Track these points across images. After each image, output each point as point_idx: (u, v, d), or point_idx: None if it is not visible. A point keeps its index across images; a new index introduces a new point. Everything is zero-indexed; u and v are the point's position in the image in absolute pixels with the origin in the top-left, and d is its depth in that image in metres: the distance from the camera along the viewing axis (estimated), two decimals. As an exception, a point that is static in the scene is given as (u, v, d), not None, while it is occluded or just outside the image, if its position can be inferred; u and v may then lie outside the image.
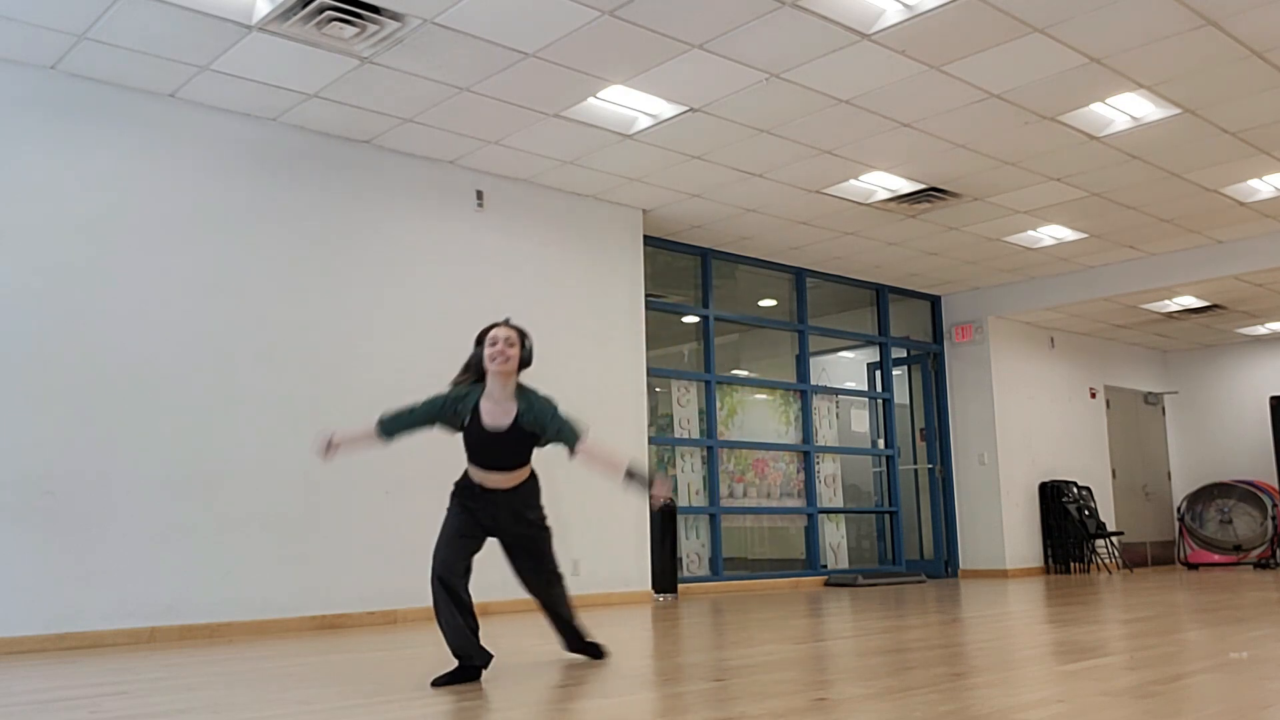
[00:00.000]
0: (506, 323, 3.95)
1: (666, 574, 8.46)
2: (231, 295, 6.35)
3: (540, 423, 3.85)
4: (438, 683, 3.72)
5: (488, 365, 3.84)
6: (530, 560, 4.11)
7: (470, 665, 3.80)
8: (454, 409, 3.88)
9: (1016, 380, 11.82)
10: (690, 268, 9.65)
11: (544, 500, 4.10)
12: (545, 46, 5.70)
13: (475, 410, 3.86)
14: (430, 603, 3.90)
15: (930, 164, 7.61)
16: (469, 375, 3.94)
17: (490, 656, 3.87)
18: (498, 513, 3.96)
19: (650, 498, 3.81)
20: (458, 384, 3.96)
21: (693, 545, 9.28)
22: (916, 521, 11.77)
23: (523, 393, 3.92)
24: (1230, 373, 13.97)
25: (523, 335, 3.93)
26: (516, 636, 5.46)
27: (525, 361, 3.91)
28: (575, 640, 4.31)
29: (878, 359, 11.51)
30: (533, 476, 4.03)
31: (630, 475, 3.77)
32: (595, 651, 4.34)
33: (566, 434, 3.86)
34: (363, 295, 6.92)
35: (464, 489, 3.98)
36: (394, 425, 3.94)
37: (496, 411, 3.85)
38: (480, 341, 3.91)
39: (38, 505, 5.51)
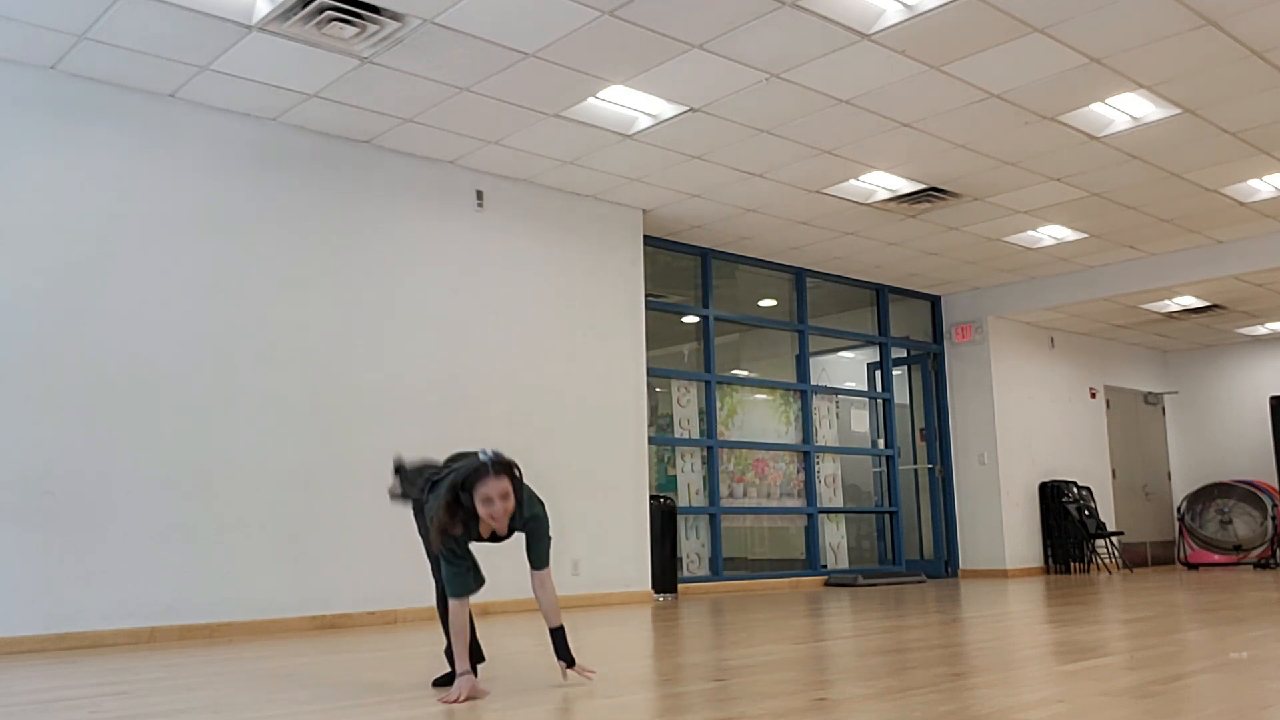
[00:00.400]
0: (494, 467, 3.46)
1: (666, 574, 8.46)
2: (231, 295, 6.35)
3: (524, 526, 3.64)
4: (439, 682, 3.72)
5: (484, 519, 3.50)
6: None
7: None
8: (468, 538, 3.61)
9: (1016, 380, 11.82)
10: (690, 268, 9.65)
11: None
12: (545, 46, 5.70)
13: (477, 530, 3.61)
14: (434, 602, 3.89)
15: (930, 164, 7.61)
16: (458, 509, 3.50)
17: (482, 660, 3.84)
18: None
19: (564, 667, 3.64)
20: (445, 515, 3.52)
21: (693, 545, 9.28)
22: (916, 521, 11.77)
23: (520, 517, 3.64)
24: (1230, 373, 13.97)
25: (512, 474, 3.51)
26: (516, 637, 5.46)
27: (518, 491, 3.55)
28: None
29: (878, 359, 11.51)
30: None
31: (558, 633, 3.67)
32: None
33: (538, 555, 3.67)
34: (363, 295, 6.92)
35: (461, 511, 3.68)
36: (475, 582, 3.63)
37: (496, 526, 3.60)
38: (469, 489, 3.45)
39: (38, 505, 5.51)
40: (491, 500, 3.43)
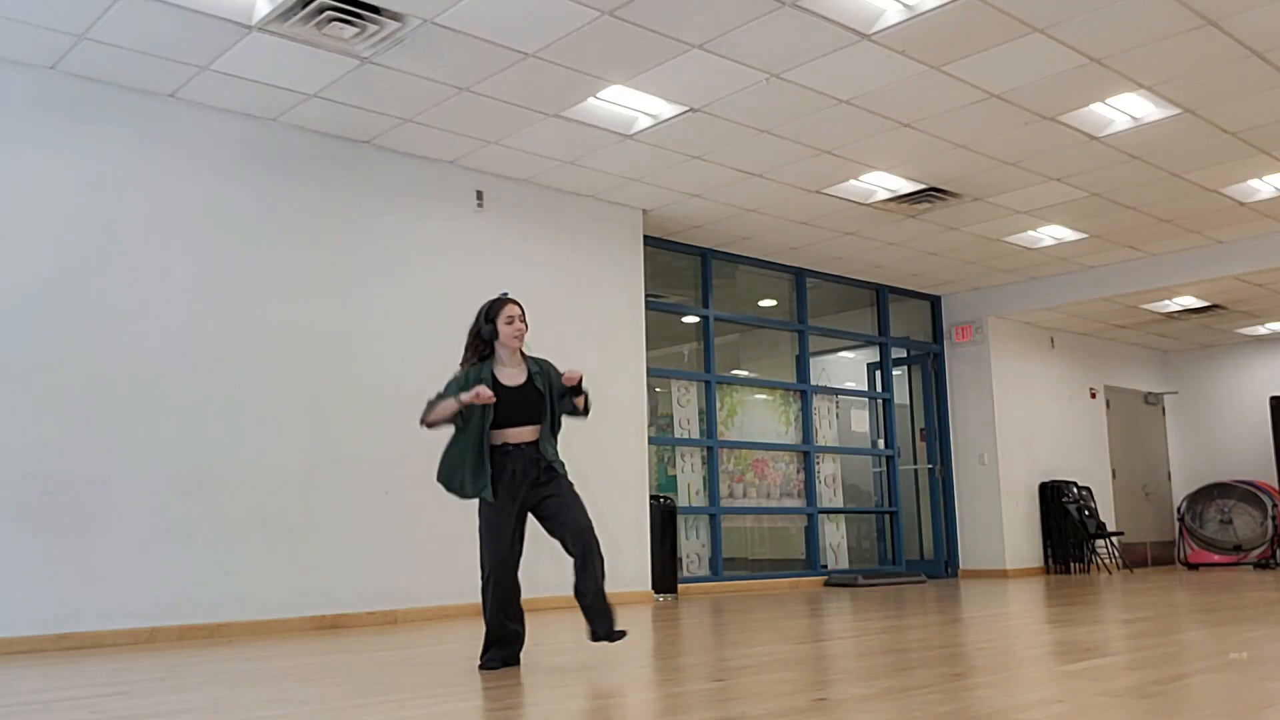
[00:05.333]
0: (509, 298, 4.39)
1: (666, 574, 8.46)
2: (232, 295, 6.35)
3: (549, 382, 4.32)
4: (486, 665, 4.11)
5: (506, 340, 4.27)
6: (568, 511, 4.23)
7: (501, 659, 4.15)
8: (477, 378, 4.22)
9: (1016, 380, 11.82)
10: (690, 268, 9.65)
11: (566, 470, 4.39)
12: (545, 46, 5.70)
13: (493, 375, 4.27)
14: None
15: (930, 164, 7.61)
16: (477, 348, 4.33)
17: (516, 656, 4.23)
18: (525, 464, 4.21)
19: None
20: (465, 364, 4.34)
21: (693, 545, 9.28)
22: (916, 521, 11.76)
23: (529, 358, 4.38)
24: (1230, 373, 13.96)
25: (523, 310, 4.42)
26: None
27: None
28: (605, 624, 4.20)
29: (878, 359, 11.51)
30: (547, 435, 4.33)
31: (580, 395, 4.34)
32: (616, 636, 4.22)
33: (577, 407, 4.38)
34: (362, 295, 6.92)
35: (493, 458, 4.21)
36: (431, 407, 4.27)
37: (511, 373, 4.29)
38: (491, 318, 4.31)
39: (38, 505, 5.51)
40: (513, 319, 4.28)
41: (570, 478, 4.33)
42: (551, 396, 4.32)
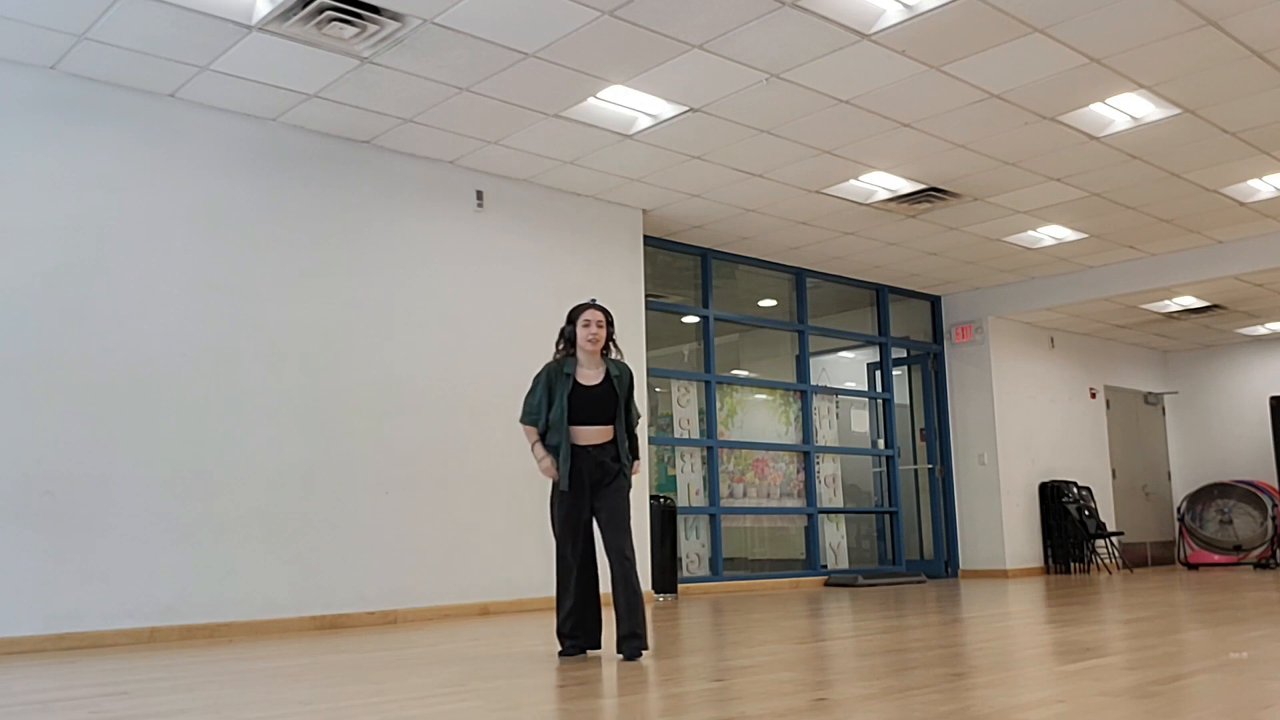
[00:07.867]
0: (594, 304, 4.67)
1: (666, 574, 8.46)
2: (232, 295, 6.35)
3: (624, 386, 4.64)
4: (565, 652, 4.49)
5: (581, 343, 4.59)
6: (612, 530, 4.53)
7: (573, 646, 4.55)
8: (559, 372, 4.60)
9: (1016, 380, 11.82)
10: (690, 268, 9.65)
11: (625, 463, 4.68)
12: (545, 46, 5.70)
13: (573, 373, 4.60)
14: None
15: (930, 164, 7.61)
16: (563, 346, 4.67)
17: (590, 645, 4.65)
18: (591, 466, 4.54)
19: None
20: (555, 356, 4.69)
21: (693, 545, 9.28)
22: (916, 521, 11.76)
23: (610, 361, 4.69)
24: (1230, 373, 13.96)
25: (609, 319, 4.67)
26: (516, 636, 5.46)
27: (610, 338, 4.68)
28: (627, 636, 4.48)
29: (878, 359, 11.51)
30: (621, 436, 4.64)
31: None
32: (634, 652, 4.46)
33: (631, 413, 4.68)
34: (363, 295, 6.91)
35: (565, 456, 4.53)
36: (534, 414, 4.59)
37: (589, 374, 4.62)
38: (573, 319, 4.65)
39: (38, 505, 5.51)
40: (590, 323, 4.60)
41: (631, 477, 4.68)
42: (624, 399, 4.64)
